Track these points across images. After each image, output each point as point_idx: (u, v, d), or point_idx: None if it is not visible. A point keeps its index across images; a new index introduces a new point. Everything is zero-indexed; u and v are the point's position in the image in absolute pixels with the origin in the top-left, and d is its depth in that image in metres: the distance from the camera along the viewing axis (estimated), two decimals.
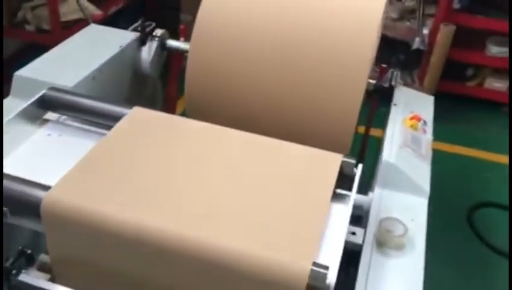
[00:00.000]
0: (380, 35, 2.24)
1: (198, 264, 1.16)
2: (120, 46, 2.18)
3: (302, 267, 1.12)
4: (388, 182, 1.69)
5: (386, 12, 2.07)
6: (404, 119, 1.94)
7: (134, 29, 2.36)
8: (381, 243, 1.49)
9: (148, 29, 2.37)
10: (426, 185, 1.70)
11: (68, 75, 1.91)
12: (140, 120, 1.59)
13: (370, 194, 1.68)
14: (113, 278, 1.28)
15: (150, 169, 1.38)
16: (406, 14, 3.83)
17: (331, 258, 1.18)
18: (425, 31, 3.63)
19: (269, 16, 1.88)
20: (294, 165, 1.46)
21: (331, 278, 1.13)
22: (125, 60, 2.24)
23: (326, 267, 1.13)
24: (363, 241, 1.47)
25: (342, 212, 1.35)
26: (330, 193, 1.34)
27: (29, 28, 3.20)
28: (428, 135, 1.95)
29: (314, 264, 1.13)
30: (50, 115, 1.77)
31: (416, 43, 3.63)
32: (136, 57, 2.33)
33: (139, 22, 2.37)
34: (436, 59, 3.55)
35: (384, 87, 2.12)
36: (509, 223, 3.11)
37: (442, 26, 3.45)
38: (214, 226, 1.21)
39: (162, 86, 2.60)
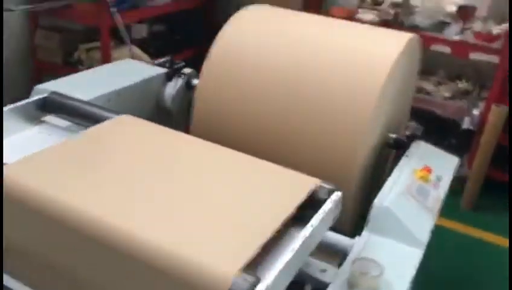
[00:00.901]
0: (410, 87, 2.15)
1: (119, 255, 1.05)
2: (144, 77, 2.23)
3: (224, 273, 0.98)
4: (379, 226, 1.52)
5: (412, 62, 1.98)
6: (414, 169, 1.77)
7: (162, 64, 2.42)
8: (352, 285, 1.30)
9: (176, 66, 2.42)
10: (423, 236, 1.50)
11: (85, 92, 1.96)
12: (122, 123, 1.57)
13: (357, 237, 1.50)
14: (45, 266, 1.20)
15: (108, 165, 1.32)
16: (459, 94, 3.67)
17: (268, 274, 1.03)
18: (476, 112, 3.44)
19: (279, 57, 1.87)
20: (263, 181, 1.35)
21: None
22: (148, 90, 2.28)
23: (256, 278, 0.99)
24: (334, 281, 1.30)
25: (299, 235, 1.19)
26: (288, 212, 1.20)
27: (82, 68, 3.40)
28: (441, 191, 1.76)
29: (241, 272, 0.99)
30: (49, 118, 1.80)
31: (466, 123, 3.44)
32: (160, 90, 2.37)
33: (168, 58, 2.44)
34: (486, 141, 3.32)
35: (402, 140, 1.97)
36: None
37: (493, 107, 3.25)
38: (147, 221, 1.11)
39: (185, 122, 2.61)
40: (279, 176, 1.38)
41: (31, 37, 3.59)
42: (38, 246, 1.18)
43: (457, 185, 3.60)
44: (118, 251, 1.04)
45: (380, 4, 3.80)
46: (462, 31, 3.45)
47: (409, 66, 2.00)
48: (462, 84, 3.80)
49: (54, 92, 1.79)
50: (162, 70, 2.35)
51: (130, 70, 2.36)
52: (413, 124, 2.10)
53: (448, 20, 3.59)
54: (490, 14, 3.61)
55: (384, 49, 1.81)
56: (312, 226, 1.19)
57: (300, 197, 1.26)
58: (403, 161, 1.84)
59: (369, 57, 1.79)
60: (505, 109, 3.26)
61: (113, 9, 3.27)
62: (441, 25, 3.60)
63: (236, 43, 1.96)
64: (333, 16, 3.44)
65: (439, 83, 3.83)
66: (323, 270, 1.37)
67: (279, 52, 1.88)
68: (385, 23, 3.52)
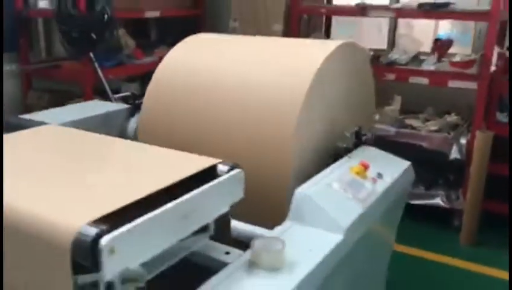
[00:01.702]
0: (361, 91, 2.13)
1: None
2: (107, 110, 2.31)
3: (71, 225, 0.95)
4: (300, 215, 1.45)
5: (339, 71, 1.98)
6: (351, 166, 1.71)
7: (124, 99, 2.50)
8: (253, 263, 1.22)
9: (138, 101, 2.49)
10: (344, 223, 1.42)
11: (54, 120, 2.01)
12: (44, 130, 1.60)
13: (277, 227, 1.44)
14: None
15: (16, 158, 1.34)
16: (447, 127, 3.59)
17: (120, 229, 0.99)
18: (463, 141, 3.33)
19: (215, 76, 1.93)
20: (161, 163, 1.33)
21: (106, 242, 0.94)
22: (111, 122, 2.34)
23: (103, 229, 0.95)
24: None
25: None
26: (170, 181, 1.17)
27: None
28: (380, 186, 1.69)
29: (90, 224, 0.96)
30: None
31: (454, 153, 3.33)
32: (123, 123, 2.42)
33: (130, 93, 2.52)
34: (475, 170, 3.18)
35: (346, 148, 1.92)
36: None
37: (478, 133, 3.15)
38: (28, 195, 1.11)
39: None
40: (181, 158, 1.36)
41: (23, 97, 3.79)
42: None
43: (456, 220, 3.46)
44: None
45: None
46: (439, 62, 3.45)
47: (346, 69, 1.99)
48: (451, 118, 3.73)
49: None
50: (126, 106, 2.42)
51: (97, 106, 2.45)
52: (371, 132, 2.03)
53: (424, 54, 3.62)
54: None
55: (310, 56, 1.84)
56: (191, 193, 1.15)
57: (190, 171, 1.24)
58: (343, 160, 1.78)
59: (296, 65, 1.82)
60: (489, 134, 3.16)
61: (96, 66, 3.43)
62: (419, 60, 3.62)
63: (175, 66, 2.06)
64: None
65: (426, 120, 3.77)
66: (227, 253, 1.30)
67: (216, 72, 1.95)
68: None
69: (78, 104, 2.66)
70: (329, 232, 1.39)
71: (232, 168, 1.31)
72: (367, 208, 1.55)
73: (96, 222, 0.98)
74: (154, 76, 2.09)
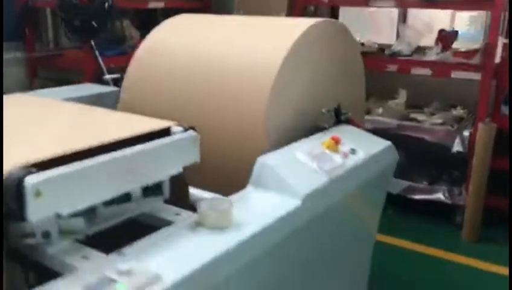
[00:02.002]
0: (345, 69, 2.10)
1: None
2: (99, 91, 2.35)
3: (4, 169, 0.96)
4: (260, 181, 1.43)
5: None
6: (323, 141, 1.68)
7: (115, 80, 2.53)
8: (199, 223, 1.20)
9: None
10: (303, 190, 1.39)
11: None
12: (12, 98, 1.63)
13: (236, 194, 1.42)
14: None
15: None
16: (451, 121, 3.50)
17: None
18: (466, 133, 3.24)
19: (191, 62, 1.93)
20: (117, 123, 1.34)
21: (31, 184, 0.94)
22: (103, 104, 2.36)
23: (30, 172, 0.95)
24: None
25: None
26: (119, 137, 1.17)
27: None
28: (351, 161, 1.65)
29: (19, 167, 0.96)
30: None
31: (456, 146, 3.24)
32: (115, 106, 2.44)
33: (120, 75, 2.54)
34: (477, 163, 3.09)
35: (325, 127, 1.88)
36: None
37: (480, 125, 3.06)
38: None
39: None
40: (137, 120, 1.36)
41: (30, 85, 3.87)
42: None
43: (458, 215, 3.36)
44: None
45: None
46: (442, 52, 3.37)
47: (326, 48, 1.96)
48: (456, 112, 3.65)
49: None
50: (117, 88, 2.44)
51: (90, 88, 2.48)
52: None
53: (431, 48, 3.55)
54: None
55: (286, 33, 1.82)
56: (135, 147, 1.15)
57: (142, 129, 1.23)
58: (317, 135, 1.75)
59: (273, 39, 1.81)
60: (492, 126, 3.07)
61: (96, 54, 3.47)
62: (423, 51, 3.55)
63: (154, 47, 2.08)
64: None
65: (432, 114, 3.69)
66: (178, 214, 1.28)
67: (195, 48, 1.96)
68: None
69: (72, 86, 2.69)
70: (286, 197, 1.37)
71: (186, 130, 1.30)
72: (332, 179, 1.52)
73: (29, 167, 0.98)
74: (134, 57, 2.09)
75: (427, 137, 3.41)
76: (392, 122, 3.51)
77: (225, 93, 1.77)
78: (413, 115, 3.68)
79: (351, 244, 1.84)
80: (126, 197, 1.24)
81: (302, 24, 1.87)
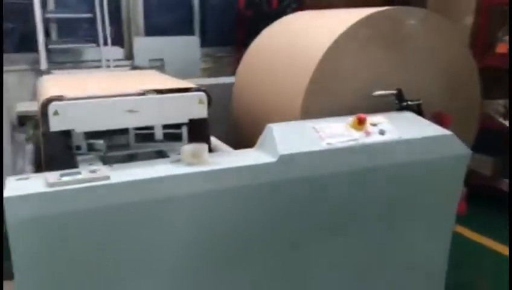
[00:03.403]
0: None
1: None
2: None
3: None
4: (261, 143, 1.69)
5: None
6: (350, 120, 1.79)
7: None
8: (178, 160, 1.56)
9: None
10: (284, 151, 1.58)
11: None
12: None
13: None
14: None
15: None
16: None
17: None
18: None
19: (270, 52, 2.32)
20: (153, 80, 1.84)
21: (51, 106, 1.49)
22: None
23: (52, 99, 1.51)
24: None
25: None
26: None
27: None
28: (368, 139, 1.72)
29: (50, 97, 1.53)
30: None
31: None
32: None
33: None
34: None
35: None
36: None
37: None
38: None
39: None
40: (172, 81, 1.81)
41: None
42: None
43: None
44: None
45: None
46: None
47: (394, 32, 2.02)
48: None
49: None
50: None
51: None
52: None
53: None
54: None
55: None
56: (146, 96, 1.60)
57: (166, 86, 1.69)
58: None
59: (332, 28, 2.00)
60: None
61: None
62: None
63: (261, 39, 2.49)
64: None
65: None
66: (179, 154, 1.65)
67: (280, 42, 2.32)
68: None
69: None
70: (268, 155, 1.59)
71: (198, 91, 1.67)
72: (331, 150, 1.64)
73: (53, 98, 1.51)
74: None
75: None
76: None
77: (286, 69, 2.07)
78: None
79: (382, 227, 1.83)
80: (151, 138, 1.71)
81: (366, 11, 1.98)
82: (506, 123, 3.33)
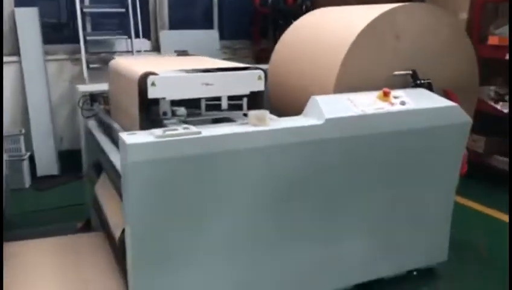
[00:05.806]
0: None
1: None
2: None
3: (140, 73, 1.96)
4: (307, 111, 2.11)
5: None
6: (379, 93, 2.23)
7: None
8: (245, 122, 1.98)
9: None
10: (329, 115, 2.01)
11: None
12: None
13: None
14: None
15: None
16: None
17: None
18: None
19: (304, 39, 2.74)
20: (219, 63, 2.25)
21: (149, 79, 1.90)
22: None
23: (149, 74, 1.93)
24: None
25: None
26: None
27: None
28: (392, 108, 2.16)
29: (147, 72, 1.94)
30: None
31: None
32: None
33: None
34: None
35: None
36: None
37: None
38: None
39: None
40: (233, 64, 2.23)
41: None
42: None
43: None
44: None
45: None
46: None
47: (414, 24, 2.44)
48: None
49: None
50: None
51: None
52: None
53: None
54: None
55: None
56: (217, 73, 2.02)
57: (230, 65, 2.10)
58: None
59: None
60: None
61: None
62: None
63: (293, 30, 2.91)
64: None
65: None
66: (245, 114, 2.07)
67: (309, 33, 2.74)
68: None
69: None
70: (315, 119, 2.02)
71: (255, 69, 2.09)
72: (365, 114, 2.08)
73: (150, 73, 1.93)
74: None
75: None
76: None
77: (319, 51, 2.49)
78: None
79: (395, 184, 2.27)
80: (218, 107, 2.12)
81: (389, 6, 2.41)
82: (498, 106, 3.79)
